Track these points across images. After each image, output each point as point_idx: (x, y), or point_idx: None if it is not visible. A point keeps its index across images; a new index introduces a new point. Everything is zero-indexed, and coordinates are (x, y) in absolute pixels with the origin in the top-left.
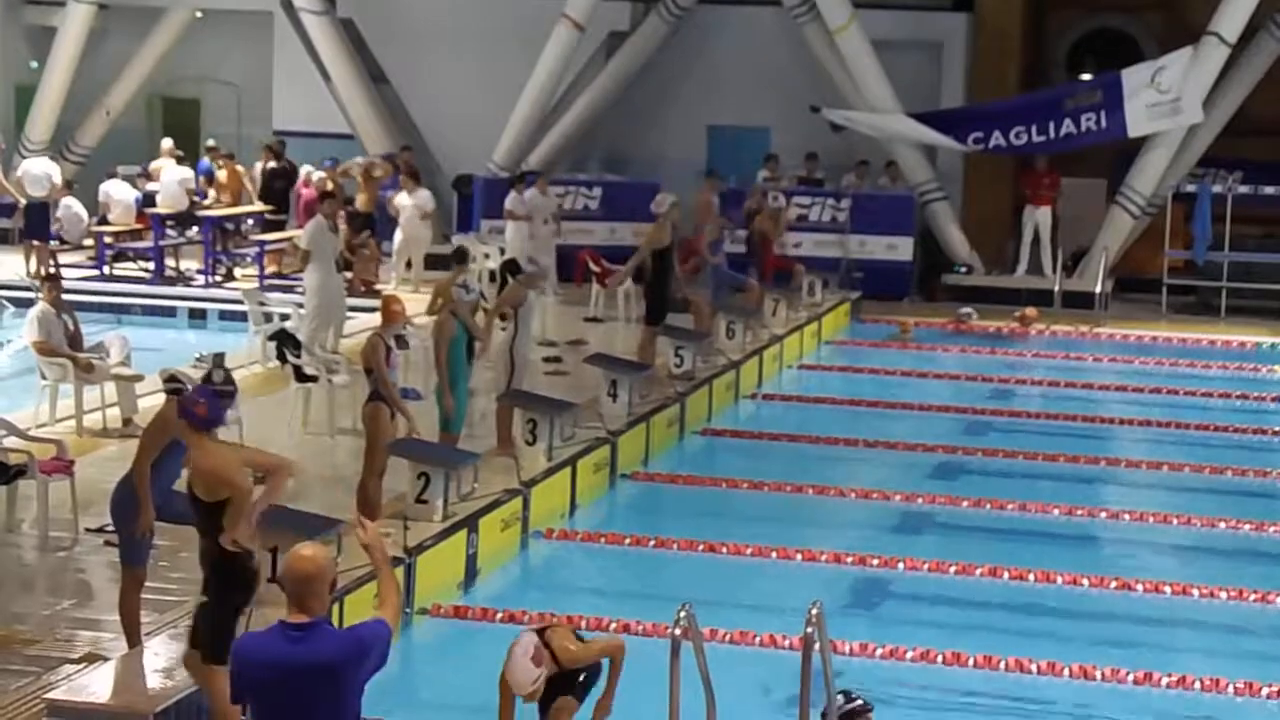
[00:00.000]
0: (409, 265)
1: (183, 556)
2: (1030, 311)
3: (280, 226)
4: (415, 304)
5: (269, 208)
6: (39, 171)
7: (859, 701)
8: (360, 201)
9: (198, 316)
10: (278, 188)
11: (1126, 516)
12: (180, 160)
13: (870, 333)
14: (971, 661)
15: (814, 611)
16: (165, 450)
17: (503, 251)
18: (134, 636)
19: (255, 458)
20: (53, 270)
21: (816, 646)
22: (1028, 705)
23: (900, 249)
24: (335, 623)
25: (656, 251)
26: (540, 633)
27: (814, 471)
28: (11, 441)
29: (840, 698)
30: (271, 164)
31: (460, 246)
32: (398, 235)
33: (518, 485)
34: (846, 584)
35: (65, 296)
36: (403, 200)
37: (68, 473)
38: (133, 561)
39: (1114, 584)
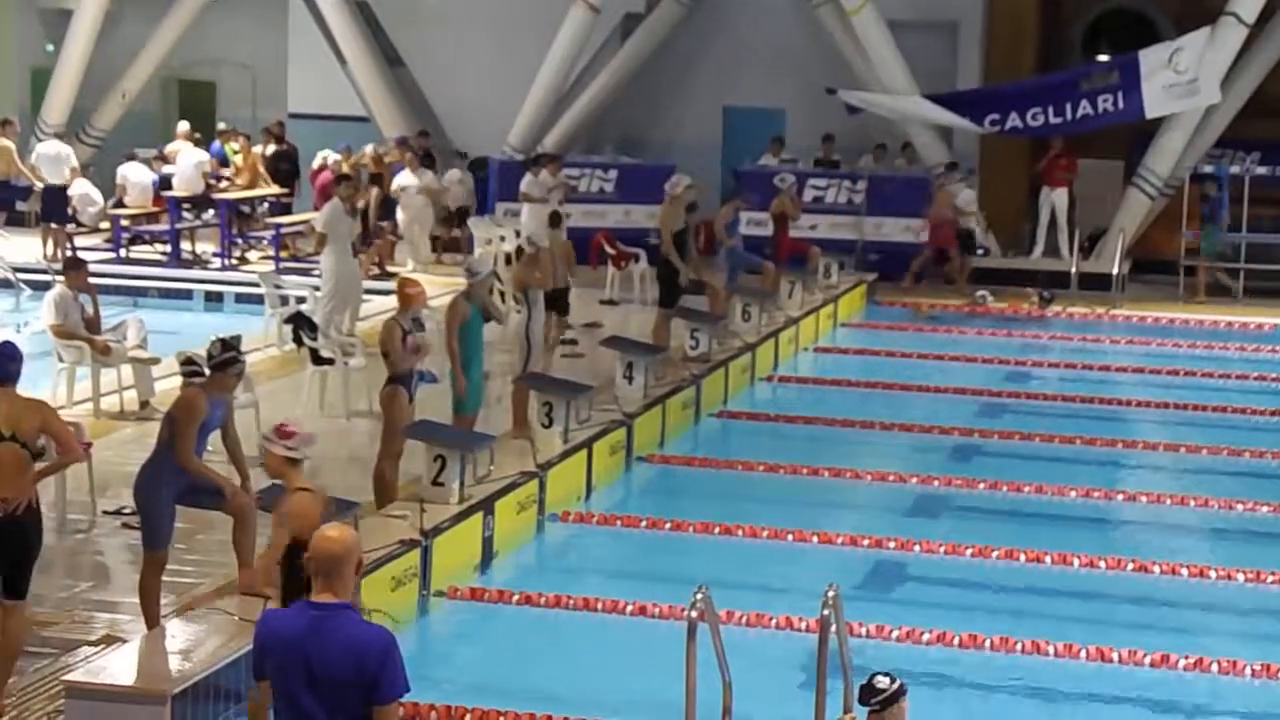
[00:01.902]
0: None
1: (199, 539)
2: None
3: (288, 209)
4: (430, 289)
5: (284, 190)
6: (53, 154)
7: (899, 683)
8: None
9: (214, 299)
10: (282, 170)
11: (1143, 498)
12: (196, 143)
13: (886, 315)
14: (988, 644)
15: (830, 594)
16: None
17: (518, 234)
18: (153, 619)
19: (55, 426)
20: (70, 254)
21: (833, 629)
22: (1044, 687)
23: (916, 231)
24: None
25: (675, 234)
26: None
27: (830, 454)
28: None
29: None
30: (273, 147)
31: (554, 210)
32: (400, 215)
33: (534, 468)
34: (863, 566)
35: None
36: (405, 180)
37: (85, 455)
38: (154, 545)
39: (1131, 566)
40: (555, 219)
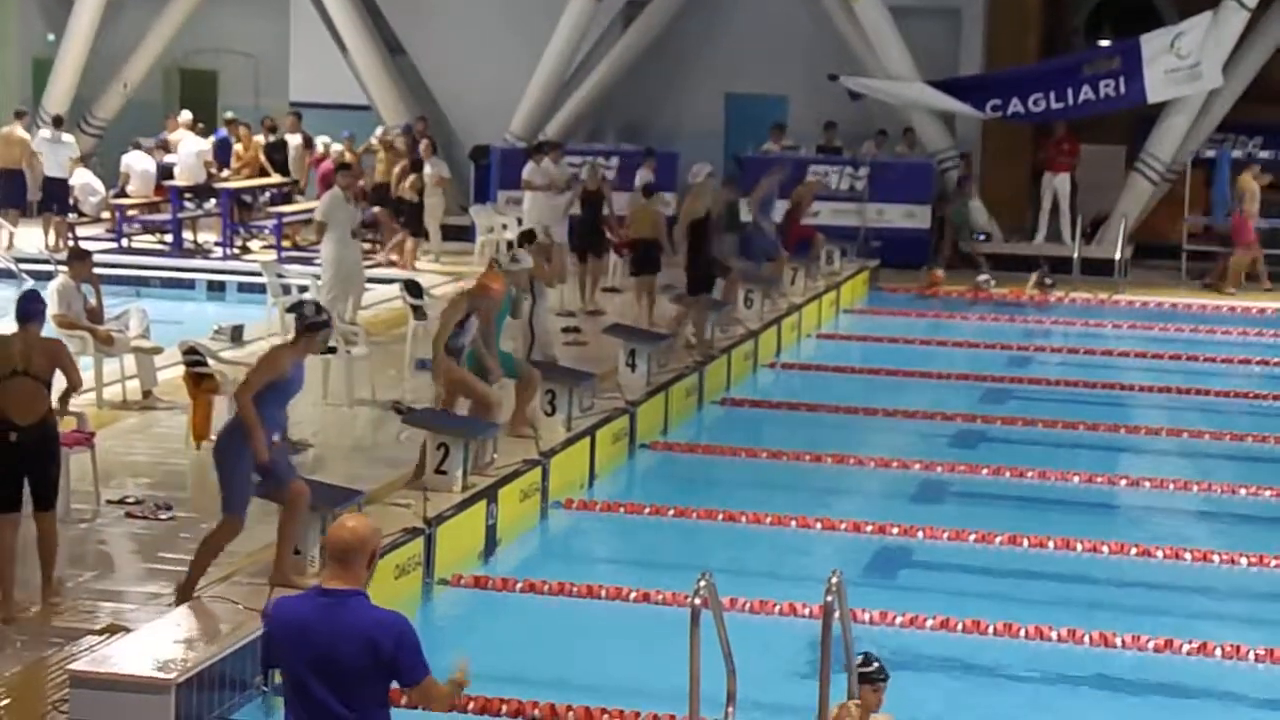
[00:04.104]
0: (428, 236)
1: (203, 528)
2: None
3: (288, 198)
4: (434, 277)
5: (288, 179)
6: (53, 144)
7: (875, 666)
8: (381, 174)
9: (216, 289)
10: (276, 160)
11: (1146, 483)
12: (199, 132)
13: (889, 301)
14: (991, 630)
15: (834, 580)
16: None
17: (520, 222)
18: (193, 582)
19: (65, 361)
20: (73, 243)
21: (836, 615)
22: (1048, 673)
23: (919, 217)
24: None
25: (694, 222)
26: None
27: (833, 440)
28: None
29: (860, 658)
30: (270, 137)
31: (646, 184)
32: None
33: (537, 456)
34: (866, 553)
35: None
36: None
37: (88, 445)
38: (230, 508)
39: (1134, 551)
40: (647, 191)
